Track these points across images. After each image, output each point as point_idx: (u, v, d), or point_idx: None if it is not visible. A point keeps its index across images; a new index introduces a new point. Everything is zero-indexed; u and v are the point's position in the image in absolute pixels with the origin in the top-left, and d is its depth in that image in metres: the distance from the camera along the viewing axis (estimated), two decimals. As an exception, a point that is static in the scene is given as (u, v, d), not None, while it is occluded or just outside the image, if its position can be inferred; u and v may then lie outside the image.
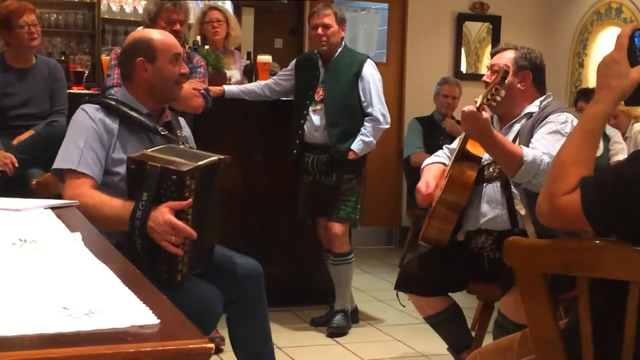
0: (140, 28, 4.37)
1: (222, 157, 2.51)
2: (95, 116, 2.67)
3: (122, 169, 2.60)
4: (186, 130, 2.92)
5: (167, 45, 2.75)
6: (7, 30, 4.05)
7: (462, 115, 2.74)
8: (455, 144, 3.22)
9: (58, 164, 2.65)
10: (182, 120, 2.96)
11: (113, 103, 2.72)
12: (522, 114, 2.98)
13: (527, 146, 2.82)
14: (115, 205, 2.45)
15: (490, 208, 2.95)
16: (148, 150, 2.47)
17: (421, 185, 3.09)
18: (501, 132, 2.98)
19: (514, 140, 2.91)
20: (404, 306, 3.24)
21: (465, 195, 2.95)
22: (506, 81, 2.74)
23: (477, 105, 2.71)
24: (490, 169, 2.97)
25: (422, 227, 3.09)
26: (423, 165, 3.29)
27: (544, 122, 2.86)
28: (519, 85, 2.99)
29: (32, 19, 4.07)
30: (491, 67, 3.06)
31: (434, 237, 3.04)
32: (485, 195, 2.97)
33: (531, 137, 2.86)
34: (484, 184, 2.98)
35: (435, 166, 3.23)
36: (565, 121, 2.83)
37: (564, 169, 1.69)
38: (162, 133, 2.72)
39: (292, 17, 7.25)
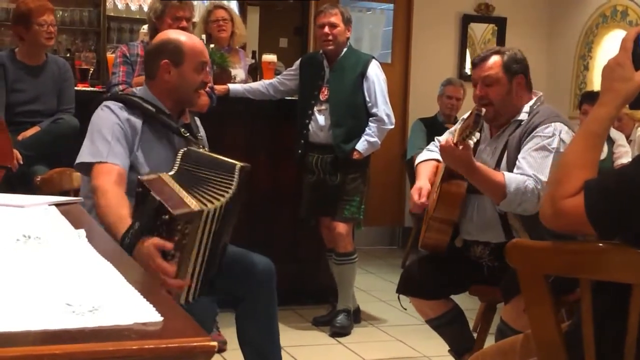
0: (145, 26, 4.39)
1: (243, 164, 2.34)
2: (120, 114, 2.64)
3: (144, 169, 2.59)
4: (201, 130, 2.91)
5: (195, 52, 2.73)
6: (25, 27, 4.07)
7: (440, 149, 2.75)
8: (444, 137, 3.11)
9: (86, 157, 2.58)
10: (197, 120, 2.95)
11: (138, 101, 2.69)
12: (511, 122, 2.91)
13: (515, 159, 2.80)
14: (118, 216, 2.35)
15: (483, 222, 2.95)
16: (164, 175, 2.33)
17: (414, 193, 3.02)
18: (490, 142, 2.96)
19: (503, 152, 2.89)
20: (405, 309, 3.24)
21: (456, 211, 2.95)
22: (501, 90, 2.80)
23: (455, 141, 2.70)
24: None
25: (420, 234, 3.11)
26: (417, 162, 3.25)
27: (531, 135, 2.80)
28: (515, 90, 2.90)
29: (51, 19, 4.12)
30: (483, 80, 2.89)
31: (432, 245, 3.04)
32: (477, 207, 2.96)
33: (519, 149, 2.82)
34: (476, 195, 2.93)
35: (428, 164, 3.18)
36: (552, 134, 2.77)
37: (567, 172, 1.69)
38: (185, 135, 2.70)
39: (297, 16, 7.25)
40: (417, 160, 3.28)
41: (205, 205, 2.19)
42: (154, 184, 2.25)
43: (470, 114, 2.69)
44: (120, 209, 2.39)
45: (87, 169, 2.60)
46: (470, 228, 2.99)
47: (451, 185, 2.93)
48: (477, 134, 2.67)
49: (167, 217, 2.13)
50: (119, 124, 2.62)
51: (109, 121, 2.63)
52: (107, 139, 2.58)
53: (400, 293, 3.14)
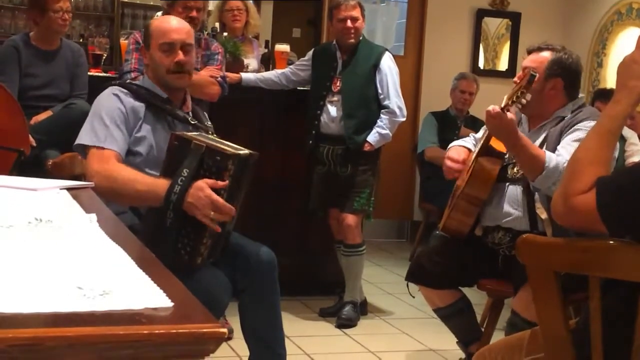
0: (159, 13, 4.40)
1: (253, 152, 2.50)
2: (123, 98, 2.68)
3: (142, 148, 2.65)
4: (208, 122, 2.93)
5: (159, 32, 2.74)
6: (40, 12, 4.11)
7: (486, 115, 2.72)
8: (481, 133, 3.19)
9: (83, 139, 2.64)
10: (205, 114, 2.98)
11: (143, 91, 2.73)
12: (553, 117, 2.95)
13: (554, 151, 2.80)
14: (148, 181, 2.47)
15: (511, 209, 2.93)
16: (190, 133, 2.50)
17: (447, 158, 3.07)
18: (529, 134, 2.95)
19: (542, 144, 2.89)
20: (413, 297, 3.23)
21: (487, 190, 2.93)
22: (535, 85, 2.73)
23: (502, 105, 2.70)
24: (515, 169, 2.94)
25: (443, 217, 3.08)
26: (450, 147, 3.24)
27: (573, 128, 2.82)
28: (548, 90, 2.93)
29: (67, 5, 4.16)
30: (524, 69, 2.93)
31: (454, 229, 3.03)
32: (506, 195, 2.95)
33: (559, 142, 2.83)
34: (506, 184, 2.95)
35: (460, 148, 3.19)
36: None
37: (580, 169, 1.68)
38: (192, 122, 2.73)
39: (311, 7, 7.25)
40: (450, 146, 3.26)
41: (239, 154, 2.38)
42: (188, 137, 2.43)
43: (524, 75, 2.73)
44: (143, 177, 2.51)
45: (84, 150, 2.67)
46: (495, 213, 2.96)
47: (486, 161, 2.93)
48: (528, 96, 2.69)
49: (219, 158, 2.36)
50: (121, 109, 2.66)
51: (111, 106, 2.67)
52: (107, 124, 2.63)
53: (410, 281, 3.13)
